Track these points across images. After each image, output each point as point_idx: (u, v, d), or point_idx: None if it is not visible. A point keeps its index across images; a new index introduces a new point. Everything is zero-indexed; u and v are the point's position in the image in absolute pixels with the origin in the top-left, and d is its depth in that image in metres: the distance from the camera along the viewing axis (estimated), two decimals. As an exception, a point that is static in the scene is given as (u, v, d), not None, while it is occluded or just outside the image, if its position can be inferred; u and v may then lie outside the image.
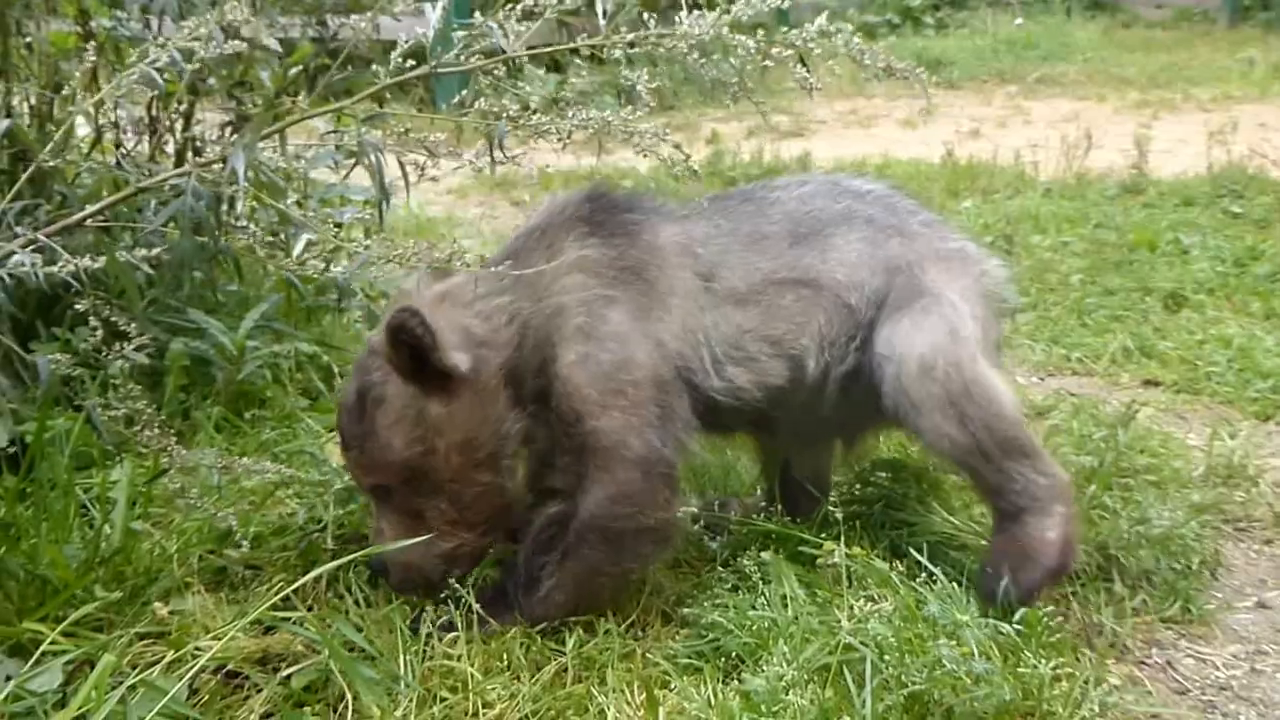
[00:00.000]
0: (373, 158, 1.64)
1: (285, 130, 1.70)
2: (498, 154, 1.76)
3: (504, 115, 1.63)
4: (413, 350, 1.85)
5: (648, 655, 1.88)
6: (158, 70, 1.73)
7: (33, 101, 2.57)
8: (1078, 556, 2.02)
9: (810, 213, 2.11)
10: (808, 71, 1.74)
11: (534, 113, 1.65)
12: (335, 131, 1.83)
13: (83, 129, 2.77)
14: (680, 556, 2.21)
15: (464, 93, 1.81)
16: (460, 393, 1.90)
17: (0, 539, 1.93)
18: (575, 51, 1.90)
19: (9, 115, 2.55)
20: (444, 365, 1.87)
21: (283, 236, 2.25)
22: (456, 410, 1.90)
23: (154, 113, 2.87)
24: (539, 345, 1.96)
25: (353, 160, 2.38)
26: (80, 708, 1.39)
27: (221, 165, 1.58)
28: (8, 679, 1.62)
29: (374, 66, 1.74)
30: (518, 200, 5.83)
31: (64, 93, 2.39)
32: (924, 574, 1.89)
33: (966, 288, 2.05)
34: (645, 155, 1.78)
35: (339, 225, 2.47)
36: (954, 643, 1.59)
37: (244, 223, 2.02)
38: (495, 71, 1.67)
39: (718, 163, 6.26)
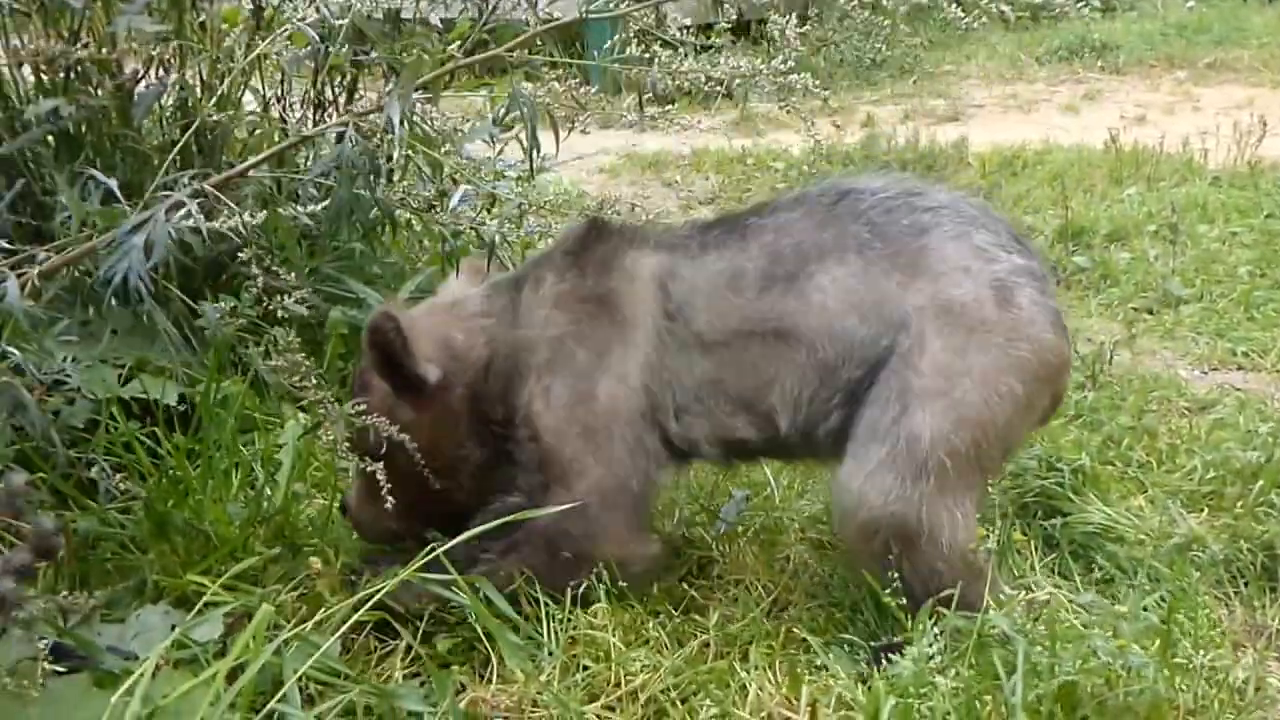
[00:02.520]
0: (523, 106, 1.66)
1: (440, 90, 1.72)
2: (649, 111, 1.74)
3: (656, 61, 1.62)
4: (386, 353, 1.87)
5: (792, 631, 1.85)
6: (319, 36, 1.78)
7: (204, 75, 2.69)
8: None
9: (793, 245, 1.82)
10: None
11: (684, 58, 1.63)
12: (493, 97, 1.85)
13: (250, 105, 2.89)
14: (824, 538, 2.18)
15: (614, 39, 1.79)
16: (428, 404, 1.92)
17: (168, 495, 2.04)
18: (733, 33, 1.87)
19: (182, 88, 2.68)
20: (412, 373, 1.89)
21: (435, 192, 2.29)
22: (422, 420, 1.90)
23: (319, 86, 2.98)
24: (504, 373, 1.94)
25: (507, 134, 2.41)
26: (239, 657, 1.44)
27: (378, 115, 1.63)
28: (173, 628, 1.71)
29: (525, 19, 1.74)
30: (669, 181, 5.83)
31: (233, 65, 2.49)
32: (1079, 564, 1.81)
33: (967, 371, 1.69)
34: (791, 113, 1.68)
35: (493, 197, 2.51)
36: (1110, 634, 1.51)
37: (399, 177, 2.05)
38: (647, 26, 1.64)
39: (872, 146, 6.13)
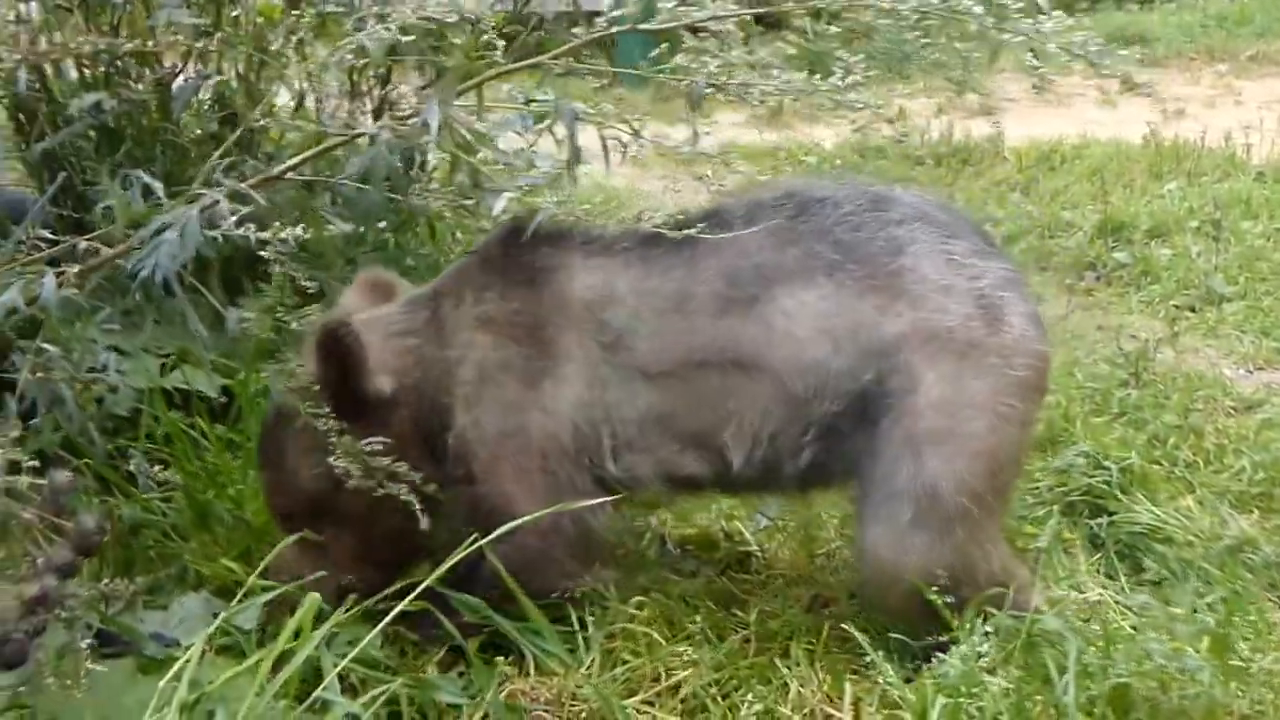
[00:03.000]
0: (566, 118, 1.62)
1: (482, 89, 1.71)
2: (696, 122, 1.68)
3: (704, 71, 1.58)
4: (343, 366, 1.68)
5: (836, 628, 1.83)
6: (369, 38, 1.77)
7: (240, 69, 2.71)
8: None
9: (753, 266, 1.66)
10: (1037, 60, 1.58)
11: (733, 69, 1.59)
12: (532, 101, 1.83)
13: (282, 97, 2.90)
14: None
15: (656, 51, 1.76)
16: (372, 427, 1.68)
17: (209, 485, 2.06)
18: (758, 21, 1.82)
19: (219, 81, 2.70)
20: (368, 388, 1.70)
21: (473, 200, 2.28)
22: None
23: (354, 78, 2.99)
24: (436, 398, 1.77)
25: (541, 127, 2.39)
26: (286, 643, 1.43)
27: (415, 119, 1.62)
28: (214, 615, 1.71)
29: (574, 29, 1.73)
30: (700, 175, 5.80)
31: (270, 58, 2.50)
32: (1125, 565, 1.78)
33: (969, 403, 1.60)
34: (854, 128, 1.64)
35: (525, 190, 2.51)
36: (1166, 636, 1.48)
37: (435, 185, 2.04)
38: (696, 31, 1.61)
39: (905, 140, 6.09)
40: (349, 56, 1.73)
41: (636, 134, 1.62)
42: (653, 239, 1.67)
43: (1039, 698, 1.46)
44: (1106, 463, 2.21)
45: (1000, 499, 1.66)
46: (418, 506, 1.62)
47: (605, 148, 1.71)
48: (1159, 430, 2.46)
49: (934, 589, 1.56)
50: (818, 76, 1.69)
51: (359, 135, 1.76)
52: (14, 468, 1.36)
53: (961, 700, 1.43)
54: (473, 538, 1.58)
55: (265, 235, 1.50)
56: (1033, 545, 1.65)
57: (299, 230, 1.51)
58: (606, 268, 1.73)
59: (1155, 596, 1.68)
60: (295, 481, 1.78)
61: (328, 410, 1.64)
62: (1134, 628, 1.62)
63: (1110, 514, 2.11)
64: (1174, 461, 2.36)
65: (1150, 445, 2.38)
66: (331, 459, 1.63)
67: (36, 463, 1.39)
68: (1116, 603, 1.81)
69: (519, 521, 1.59)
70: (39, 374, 1.59)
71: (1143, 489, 2.18)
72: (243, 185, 1.68)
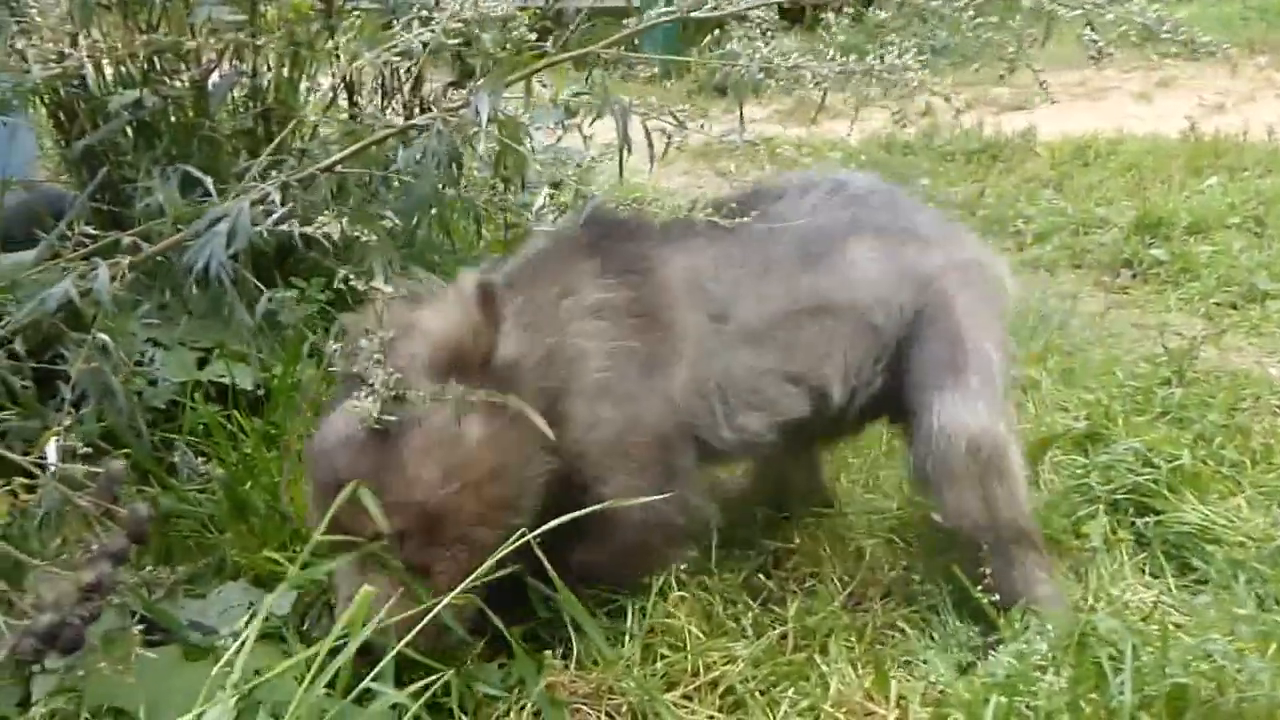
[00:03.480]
0: (617, 110, 1.61)
1: (530, 80, 1.70)
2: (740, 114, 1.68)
3: (755, 56, 1.56)
4: (491, 324, 1.60)
5: (883, 626, 1.82)
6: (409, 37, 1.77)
7: (272, 66, 2.72)
8: None
9: (817, 229, 1.90)
10: (1094, 33, 1.56)
11: (786, 57, 1.56)
12: (581, 93, 1.81)
13: (317, 90, 2.91)
14: (892, 535, 2.15)
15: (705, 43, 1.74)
16: (500, 412, 1.61)
17: (245, 477, 2.06)
18: (783, 14, 1.79)
19: (254, 77, 2.71)
20: (504, 352, 1.63)
21: (515, 188, 2.28)
22: (499, 434, 1.61)
23: (386, 74, 2.99)
24: (551, 387, 1.71)
25: (573, 122, 2.39)
26: (340, 635, 1.41)
27: (464, 109, 1.61)
28: (250, 604, 1.72)
29: (625, 20, 1.71)
30: (724, 170, 5.78)
31: (305, 51, 2.51)
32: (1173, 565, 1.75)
33: (992, 319, 1.94)
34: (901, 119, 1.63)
35: (556, 185, 2.49)
36: (1229, 637, 1.45)
37: (484, 172, 2.03)
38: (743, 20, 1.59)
39: (933, 136, 6.03)
40: (395, 58, 1.72)
41: (681, 124, 1.60)
42: (713, 224, 1.72)
43: (1093, 697, 1.43)
44: (1156, 460, 2.17)
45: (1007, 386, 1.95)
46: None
47: (649, 139, 1.69)
48: (1205, 429, 2.40)
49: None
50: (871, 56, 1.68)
51: (412, 126, 1.74)
52: (68, 455, 1.37)
53: (1015, 699, 1.40)
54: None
55: (325, 227, 1.49)
56: (1087, 546, 1.61)
57: (346, 223, 1.50)
58: (693, 249, 1.86)
59: (1211, 598, 1.63)
60: (414, 492, 1.55)
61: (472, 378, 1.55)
62: (1176, 625, 1.58)
63: (1157, 513, 2.07)
64: (1220, 461, 2.30)
65: (1195, 445, 2.32)
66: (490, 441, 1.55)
67: (90, 450, 1.39)
68: (1181, 601, 1.77)
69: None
70: (92, 364, 1.59)
71: (1192, 488, 2.14)
72: (291, 178, 1.68)
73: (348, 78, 2.89)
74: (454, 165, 1.87)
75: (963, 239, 2.04)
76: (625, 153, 1.67)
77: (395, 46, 1.67)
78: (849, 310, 1.88)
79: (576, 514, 1.52)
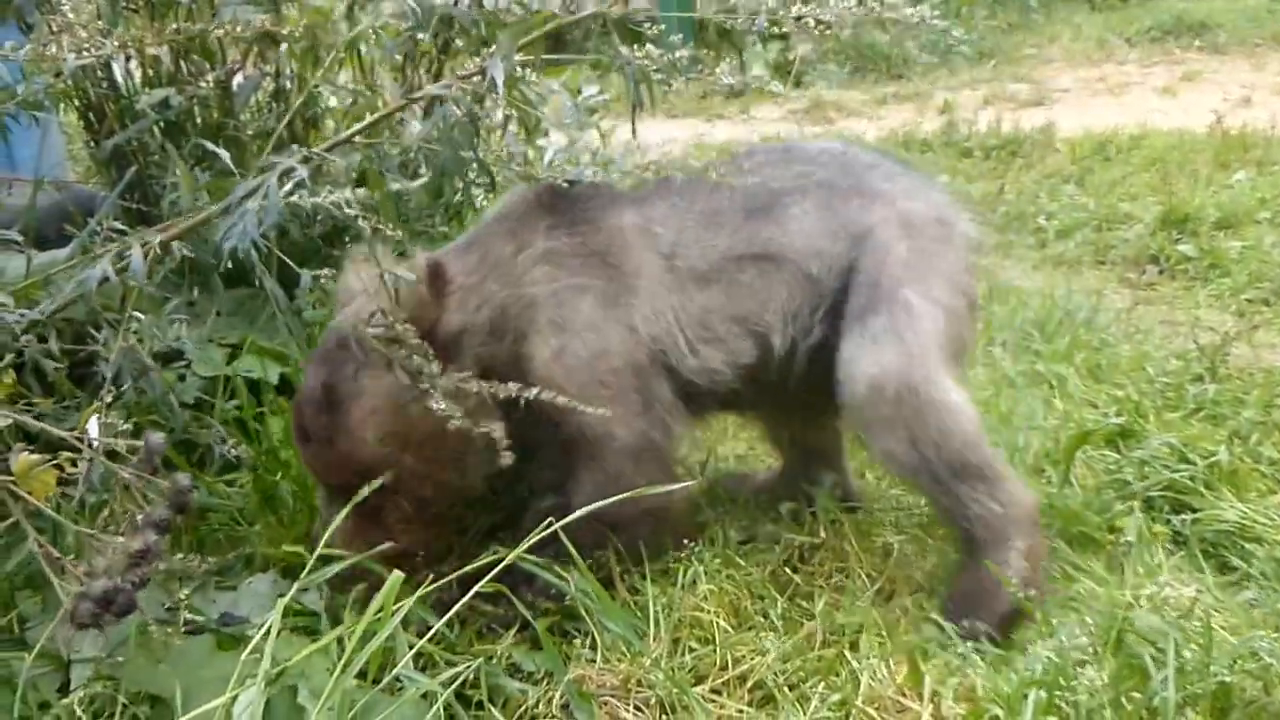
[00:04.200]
0: (629, 69, 1.66)
1: (539, 55, 1.72)
2: (740, 77, 1.72)
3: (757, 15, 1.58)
4: (439, 300, 1.79)
5: (909, 624, 1.80)
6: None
7: (294, 67, 2.74)
8: (1045, 590, 1.82)
9: (762, 184, 1.98)
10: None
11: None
12: (599, 73, 1.82)
13: (332, 101, 2.93)
14: (918, 532, 2.14)
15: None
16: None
17: (273, 468, 2.08)
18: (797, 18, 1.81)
19: (277, 76, 2.73)
20: (450, 322, 1.81)
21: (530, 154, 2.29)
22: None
23: (406, 72, 3.00)
24: (512, 336, 1.88)
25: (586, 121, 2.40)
26: (367, 625, 1.42)
27: (480, 77, 1.63)
28: (280, 596, 1.72)
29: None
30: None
31: (325, 50, 2.53)
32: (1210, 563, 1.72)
33: (932, 268, 1.91)
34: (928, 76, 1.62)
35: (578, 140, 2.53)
36: (1275, 635, 1.42)
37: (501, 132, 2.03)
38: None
39: (951, 133, 5.99)
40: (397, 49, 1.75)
41: (679, 70, 1.64)
42: (669, 183, 1.94)
43: (1135, 694, 1.41)
44: (1192, 457, 2.13)
45: (956, 358, 1.92)
46: (505, 443, 1.61)
47: (649, 79, 1.73)
48: (1240, 426, 2.35)
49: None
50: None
51: (424, 95, 1.78)
52: (110, 431, 1.43)
53: (1055, 694, 1.38)
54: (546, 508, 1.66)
55: (346, 196, 1.51)
56: (1121, 541, 1.59)
57: (360, 191, 1.52)
58: (647, 201, 1.97)
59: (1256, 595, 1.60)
60: (358, 451, 1.79)
61: (419, 347, 1.65)
62: (1220, 624, 1.55)
63: (1194, 511, 2.03)
64: (1257, 458, 2.25)
65: (1231, 442, 2.27)
66: (430, 399, 1.60)
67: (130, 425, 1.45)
68: (1207, 602, 1.74)
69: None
70: (128, 343, 1.62)
71: (1229, 485, 2.10)
72: (316, 150, 1.71)
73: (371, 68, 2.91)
74: (475, 134, 1.90)
75: (920, 194, 2.02)
76: (638, 107, 1.75)
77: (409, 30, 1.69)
78: (786, 259, 1.94)
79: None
